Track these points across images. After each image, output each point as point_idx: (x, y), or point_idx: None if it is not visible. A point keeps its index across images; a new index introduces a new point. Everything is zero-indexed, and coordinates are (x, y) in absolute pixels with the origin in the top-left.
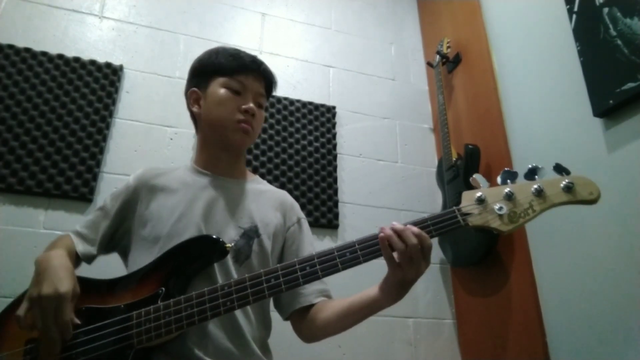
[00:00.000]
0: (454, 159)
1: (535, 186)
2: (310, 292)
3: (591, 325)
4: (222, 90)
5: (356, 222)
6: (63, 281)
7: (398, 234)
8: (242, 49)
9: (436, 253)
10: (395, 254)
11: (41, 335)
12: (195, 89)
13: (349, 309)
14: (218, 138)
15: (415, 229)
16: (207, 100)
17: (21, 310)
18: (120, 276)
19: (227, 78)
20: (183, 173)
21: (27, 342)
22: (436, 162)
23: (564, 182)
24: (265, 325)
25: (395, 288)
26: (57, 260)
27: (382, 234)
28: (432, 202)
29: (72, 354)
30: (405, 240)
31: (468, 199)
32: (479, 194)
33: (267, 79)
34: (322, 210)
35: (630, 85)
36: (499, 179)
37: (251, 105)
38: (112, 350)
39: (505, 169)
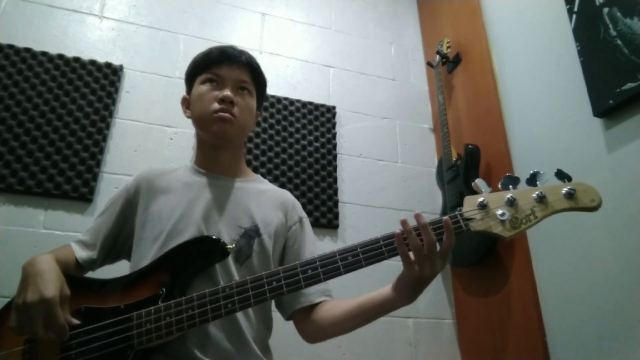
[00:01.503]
0: (454, 159)
1: (537, 192)
2: (312, 291)
3: (591, 325)
4: (201, 87)
5: (356, 222)
6: (48, 286)
7: (417, 230)
8: (240, 48)
9: None
10: (411, 253)
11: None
12: (185, 96)
13: (360, 308)
14: (205, 134)
15: (450, 225)
16: (192, 101)
17: (12, 321)
18: (121, 276)
19: (203, 74)
20: (183, 173)
21: (26, 341)
22: (436, 162)
23: (565, 189)
24: (266, 325)
25: (411, 286)
26: (41, 265)
27: (397, 231)
28: (432, 202)
29: (71, 354)
30: (427, 235)
31: (470, 204)
32: (481, 199)
33: (246, 64)
34: (322, 210)
35: (630, 85)
36: (500, 185)
37: (226, 92)
38: (112, 351)
39: (507, 174)
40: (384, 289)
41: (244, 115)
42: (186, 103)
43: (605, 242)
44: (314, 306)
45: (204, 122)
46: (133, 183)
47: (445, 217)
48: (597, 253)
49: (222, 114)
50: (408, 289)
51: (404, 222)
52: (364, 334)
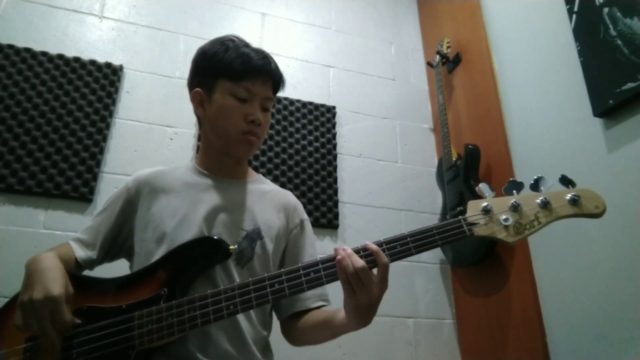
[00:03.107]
0: (454, 159)
1: (541, 198)
2: (309, 296)
3: (591, 325)
4: (228, 99)
5: (356, 222)
6: (53, 283)
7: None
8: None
9: (436, 253)
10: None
11: (41, 338)
12: (199, 89)
13: (324, 325)
14: (222, 145)
15: (374, 247)
16: (212, 106)
17: (17, 319)
18: (123, 276)
19: (233, 84)
20: (184, 173)
21: (28, 339)
22: (436, 162)
23: (569, 195)
24: (265, 326)
25: (355, 312)
26: (45, 263)
27: (339, 257)
28: (432, 202)
29: (72, 354)
30: (354, 263)
31: (474, 209)
32: (484, 203)
33: (275, 81)
34: (322, 210)
35: (630, 85)
36: (504, 190)
37: (258, 115)
38: (113, 351)
39: (511, 179)
40: (341, 311)
41: (264, 134)
42: (199, 98)
43: (605, 242)
44: (308, 311)
45: (228, 138)
46: (133, 183)
47: (368, 243)
48: (597, 253)
49: (250, 137)
50: (354, 314)
51: (337, 250)
52: (364, 334)
